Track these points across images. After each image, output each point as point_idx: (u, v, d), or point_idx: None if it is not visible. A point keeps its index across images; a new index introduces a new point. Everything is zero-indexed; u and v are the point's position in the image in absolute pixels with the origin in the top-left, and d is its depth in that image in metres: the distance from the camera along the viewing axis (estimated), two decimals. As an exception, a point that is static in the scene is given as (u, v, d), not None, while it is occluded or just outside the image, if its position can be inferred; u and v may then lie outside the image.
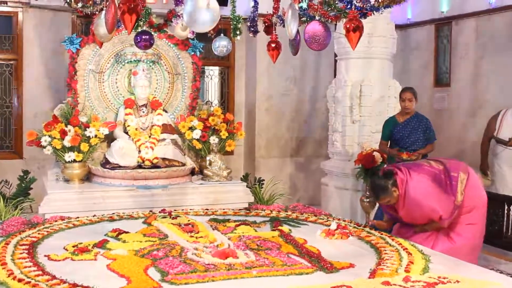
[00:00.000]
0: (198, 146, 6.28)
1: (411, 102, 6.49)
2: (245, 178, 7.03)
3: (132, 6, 2.98)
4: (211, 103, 9.08)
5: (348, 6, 3.65)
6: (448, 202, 4.44)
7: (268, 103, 9.06)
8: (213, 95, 9.50)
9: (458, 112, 8.79)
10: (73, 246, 3.77)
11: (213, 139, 6.20)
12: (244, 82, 9.34)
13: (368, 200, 6.70)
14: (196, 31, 3.20)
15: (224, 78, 9.45)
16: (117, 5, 3.28)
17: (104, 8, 3.65)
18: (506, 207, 6.36)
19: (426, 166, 4.60)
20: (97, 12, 4.04)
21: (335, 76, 9.27)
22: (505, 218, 6.39)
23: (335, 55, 9.19)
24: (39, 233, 4.15)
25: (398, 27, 8.52)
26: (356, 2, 3.51)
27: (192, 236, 4.05)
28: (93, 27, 3.78)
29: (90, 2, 3.76)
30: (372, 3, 3.47)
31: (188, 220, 4.59)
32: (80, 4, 3.79)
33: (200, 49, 6.62)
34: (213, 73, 9.43)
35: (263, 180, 7.15)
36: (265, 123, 9.07)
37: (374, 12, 3.70)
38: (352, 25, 3.51)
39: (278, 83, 9.07)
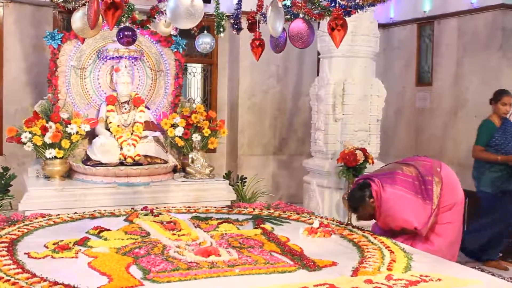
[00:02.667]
0: (181, 143, 6.25)
1: (511, 106, 6.43)
2: (227, 176, 7.01)
3: (115, 1, 2.94)
4: (194, 100, 9.04)
5: (332, 4, 3.64)
6: (425, 210, 4.42)
7: (251, 101, 9.05)
8: (196, 92, 9.47)
9: (440, 111, 8.85)
10: (54, 244, 3.72)
11: (196, 137, 6.17)
12: (227, 80, 9.32)
13: (350, 198, 6.73)
14: (180, 28, 3.18)
15: (207, 76, 9.42)
16: (99, 1, 3.24)
17: (86, 4, 3.61)
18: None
19: (399, 175, 4.56)
20: (78, 8, 3.99)
21: (317, 74, 9.31)
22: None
23: (318, 53, 9.23)
24: (19, 231, 4.09)
25: (381, 26, 8.54)
26: (341, 0, 3.50)
27: (174, 234, 4.01)
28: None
29: (72, -3, 3.71)
30: (356, 1, 3.47)
31: (170, 218, 4.56)
32: (61, -1, 3.74)
33: (183, 46, 6.58)
34: (195, 70, 9.39)
35: (246, 178, 7.14)
36: (248, 120, 9.05)
37: (358, 10, 3.70)
38: (336, 23, 3.50)
39: (261, 81, 9.07)
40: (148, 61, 6.48)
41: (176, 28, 4.50)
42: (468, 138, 8.27)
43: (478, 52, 8.18)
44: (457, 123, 8.52)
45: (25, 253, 3.53)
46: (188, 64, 9.09)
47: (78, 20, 3.53)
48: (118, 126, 6.07)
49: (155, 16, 4.44)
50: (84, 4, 3.79)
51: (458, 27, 8.48)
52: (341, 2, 3.63)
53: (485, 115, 8.05)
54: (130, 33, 4.23)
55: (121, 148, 5.88)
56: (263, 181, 7.54)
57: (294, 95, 9.31)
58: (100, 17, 3.33)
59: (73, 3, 3.83)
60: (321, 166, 7.22)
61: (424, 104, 9.11)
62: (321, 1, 3.94)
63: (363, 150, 6.68)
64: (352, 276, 3.26)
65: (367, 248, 3.85)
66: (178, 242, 3.80)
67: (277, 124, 9.26)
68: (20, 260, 3.38)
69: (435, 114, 8.91)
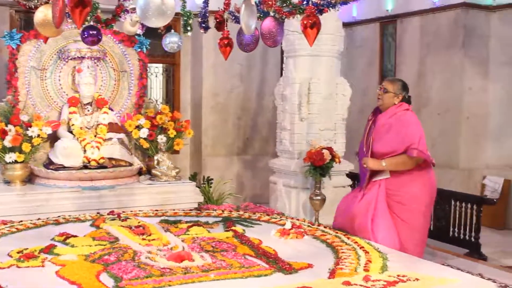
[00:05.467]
0: (146, 145, 6.11)
1: None
2: (193, 178, 6.90)
3: (82, -2, 2.82)
4: (156, 101, 8.88)
5: (305, 2, 3.59)
6: (425, 146, 4.63)
7: (214, 101, 8.95)
8: (157, 92, 9.31)
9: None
10: (18, 252, 3.58)
11: (161, 138, 6.04)
12: (190, 80, 9.19)
13: (317, 198, 6.69)
14: (150, 26, 3.08)
15: (169, 75, 9.28)
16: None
17: (50, 1, 3.47)
18: (452, 203, 6.47)
19: None
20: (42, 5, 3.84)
21: (281, 74, 9.26)
22: (452, 214, 6.50)
23: (282, 52, 9.17)
24: (-20, 239, 3.94)
25: (344, 25, 8.52)
26: (313, -2, 3.44)
27: (144, 239, 3.91)
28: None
29: (36, -6, 3.56)
30: (329, -1, 3.42)
31: (139, 222, 4.45)
32: (25, -4, 3.58)
33: (147, 45, 6.42)
34: (157, 70, 9.24)
35: (212, 179, 7.03)
36: (211, 121, 8.95)
37: (331, 8, 3.66)
38: (310, 21, 3.44)
39: (224, 81, 8.97)
40: (111, 62, 6.31)
41: (143, 27, 4.39)
42: (431, 135, 8.35)
43: (440, 50, 8.25)
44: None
45: (-12, 263, 3.38)
46: (150, 64, 8.91)
47: (41, 17, 3.37)
48: (81, 128, 5.89)
49: (121, 15, 4.31)
50: (47, 2, 3.65)
51: (421, 26, 8.54)
52: (314, 0, 3.58)
53: (448, 113, 8.16)
54: (95, 32, 4.11)
55: (85, 151, 5.70)
56: (229, 182, 7.44)
57: (257, 94, 9.24)
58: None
59: (36, 1, 3.68)
60: (287, 166, 7.16)
61: (388, 102, 9.13)
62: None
63: (330, 149, 6.64)
64: (329, 278, 3.22)
65: (342, 249, 3.82)
66: (149, 248, 3.70)
67: (241, 124, 9.17)
68: (-16, 271, 3.23)
69: (399, 113, 8.94)
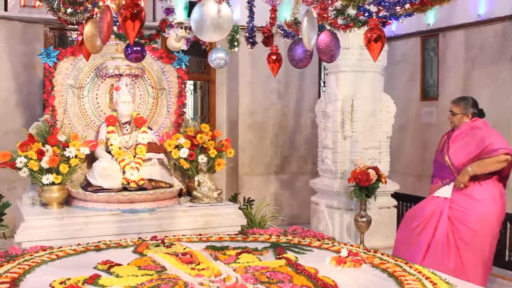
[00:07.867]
0: (186, 165, 5.87)
1: None
2: (233, 199, 6.64)
3: (136, 11, 2.60)
4: (192, 118, 8.69)
5: (366, 15, 3.32)
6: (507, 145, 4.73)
7: (251, 118, 8.72)
8: (192, 110, 9.11)
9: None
10: (61, 283, 3.34)
11: (202, 158, 5.80)
12: (226, 97, 8.98)
13: (363, 220, 6.41)
14: (206, 41, 2.85)
15: (204, 93, 9.07)
16: (113, 12, 2.91)
17: (95, 16, 3.28)
18: (508, 225, 6.14)
19: None
20: (83, 22, 3.64)
21: (319, 90, 9.02)
22: (508, 237, 6.17)
23: (319, 68, 8.94)
24: (19, 268, 3.70)
25: (384, 39, 8.28)
26: (379, 9, 3.16)
27: (194, 269, 3.64)
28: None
29: (81, 8, 3.34)
30: (397, 10, 3.14)
31: (184, 249, 4.19)
32: (69, 10, 3.37)
33: (186, 62, 6.21)
34: (191, 87, 9.04)
35: (253, 200, 6.76)
36: (248, 139, 8.71)
37: (394, 21, 3.39)
38: (374, 35, 3.17)
39: (261, 98, 8.74)
40: (149, 79, 6.11)
41: (187, 43, 4.15)
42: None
43: (487, 65, 7.92)
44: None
45: (30, 296, 3.15)
46: (184, 81, 8.74)
47: (90, 32, 3.17)
48: (119, 148, 5.67)
49: (165, 30, 4.10)
50: (89, 17, 3.44)
51: (465, 40, 8.22)
52: (375, 12, 3.31)
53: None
54: (139, 48, 3.87)
55: (124, 172, 5.48)
56: (271, 204, 7.17)
57: (295, 111, 8.99)
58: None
59: (79, 15, 3.48)
60: (330, 186, 6.89)
61: (430, 119, 8.83)
62: (348, 12, 3.63)
63: (376, 169, 6.36)
64: (400, 314, 2.93)
65: (406, 280, 3.52)
66: (199, 279, 3.42)
67: (279, 142, 8.92)
68: (26, 305, 3.00)
69: (443, 129, 8.57)
